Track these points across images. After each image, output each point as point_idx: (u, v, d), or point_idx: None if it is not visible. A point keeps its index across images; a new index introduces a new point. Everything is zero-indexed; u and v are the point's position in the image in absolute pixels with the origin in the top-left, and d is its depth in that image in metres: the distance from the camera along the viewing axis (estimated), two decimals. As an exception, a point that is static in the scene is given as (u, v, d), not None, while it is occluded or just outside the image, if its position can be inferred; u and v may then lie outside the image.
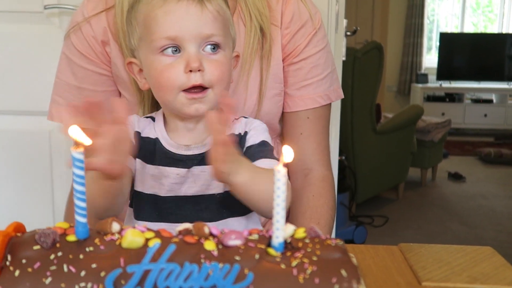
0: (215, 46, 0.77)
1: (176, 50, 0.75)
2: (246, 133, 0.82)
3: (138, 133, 0.82)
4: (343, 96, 1.04)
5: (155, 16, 0.75)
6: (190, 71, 0.74)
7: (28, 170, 1.71)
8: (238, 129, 0.83)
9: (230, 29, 0.81)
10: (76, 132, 0.49)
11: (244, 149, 0.81)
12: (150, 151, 0.81)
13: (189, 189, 0.79)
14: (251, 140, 0.81)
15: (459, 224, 3.20)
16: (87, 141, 0.50)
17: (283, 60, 0.97)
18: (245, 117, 0.86)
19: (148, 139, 0.81)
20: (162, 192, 0.79)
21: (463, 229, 3.11)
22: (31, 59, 1.63)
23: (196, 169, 0.79)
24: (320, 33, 0.98)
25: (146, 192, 0.80)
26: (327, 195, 0.98)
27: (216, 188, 0.80)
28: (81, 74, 0.94)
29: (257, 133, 0.82)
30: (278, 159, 0.81)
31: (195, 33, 0.74)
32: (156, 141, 0.81)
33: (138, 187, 0.81)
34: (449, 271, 0.63)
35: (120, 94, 0.98)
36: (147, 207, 0.80)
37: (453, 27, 6.66)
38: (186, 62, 0.74)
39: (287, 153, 0.50)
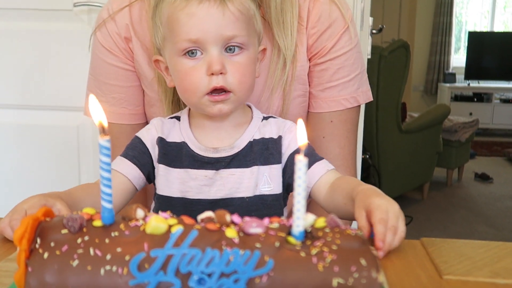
0: (238, 47, 0.76)
1: (198, 53, 0.75)
2: (280, 137, 0.81)
3: (162, 139, 0.81)
4: (372, 98, 0.99)
5: (177, 18, 0.74)
6: (212, 74, 0.74)
7: (56, 163, 1.75)
8: (270, 132, 0.82)
9: (255, 25, 0.79)
10: (101, 119, 0.50)
11: (287, 156, 0.80)
12: (176, 155, 0.80)
13: (218, 192, 0.79)
14: (292, 146, 0.80)
15: (486, 225, 3.14)
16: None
17: (309, 60, 0.94)
18: (274, 117, 0.85)
19: (174, 143, 0.81)
20: (191, 195, 0.79)
21: (490, 231, 3.06)
22: (60, 55, 1.67)
23: (225, 172, 0.79)
24: (350, 33, 0.93)
25: (174, 196, 0.80)
26: None
27: (245, 191, 0.79)
28: (108, 70, 0.95)
29: (294, 137, 0.81)
30: (322, 157, 0.81)
31: (217, 35, 0.73)
32: (183, 145, 0.80)
33: (164, 192, 0.80)
34: (471, 265, 0.62)
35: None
36: (176, 210, 0.79)
37: (482, 26, 6.53)
38: (208, 65, 0.74)
39: (302, 131, 0.50)
